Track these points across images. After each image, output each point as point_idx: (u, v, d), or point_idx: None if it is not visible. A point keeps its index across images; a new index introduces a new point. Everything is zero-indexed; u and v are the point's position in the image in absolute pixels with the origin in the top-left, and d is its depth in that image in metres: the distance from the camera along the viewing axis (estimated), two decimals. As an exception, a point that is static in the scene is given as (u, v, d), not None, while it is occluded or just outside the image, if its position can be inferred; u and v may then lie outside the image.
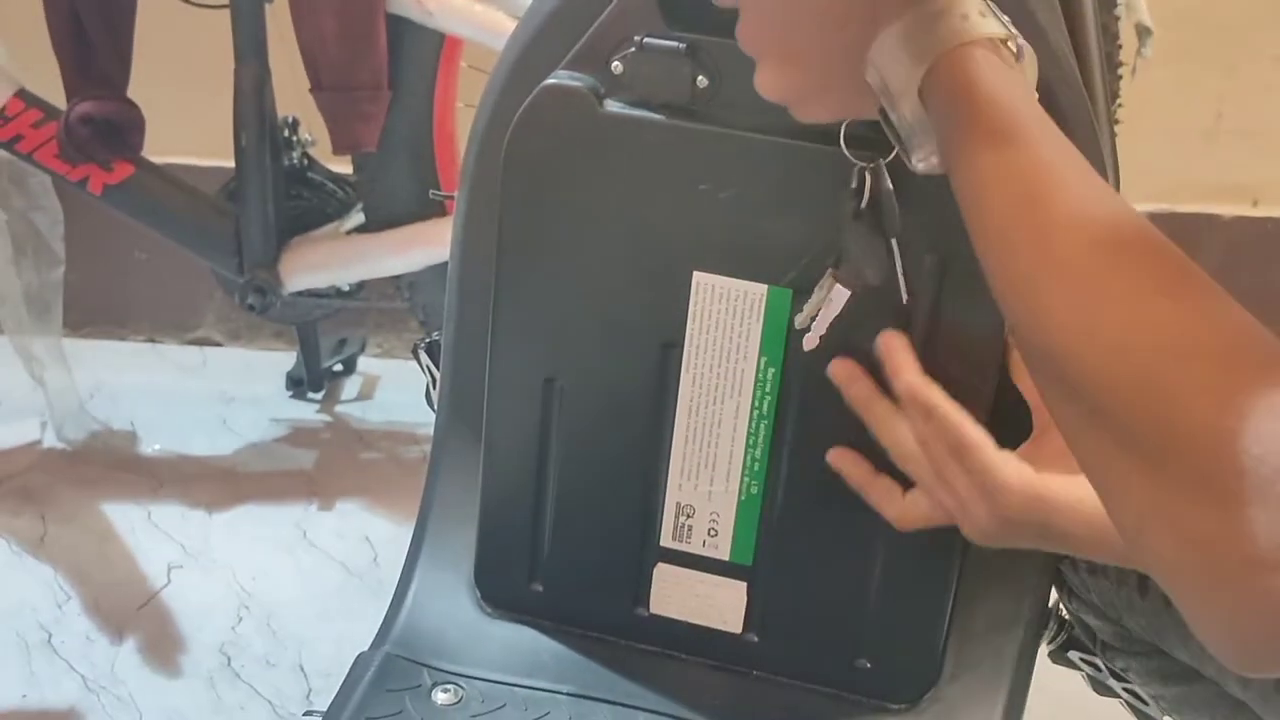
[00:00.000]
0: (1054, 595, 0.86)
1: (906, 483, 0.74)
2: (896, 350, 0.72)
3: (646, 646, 0.83)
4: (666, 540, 0.80)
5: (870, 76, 0.59)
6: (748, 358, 0.75)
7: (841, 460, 0.75)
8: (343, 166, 1.60)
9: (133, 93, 1.49)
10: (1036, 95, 0.58)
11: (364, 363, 1.90)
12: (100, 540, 1.53)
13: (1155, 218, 2.03)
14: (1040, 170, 0.54)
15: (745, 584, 0.80)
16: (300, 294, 1.57)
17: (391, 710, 0.77)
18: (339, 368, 1.87)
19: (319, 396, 1.83)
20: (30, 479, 1.63)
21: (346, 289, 1.64)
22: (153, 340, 1.97)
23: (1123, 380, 0.48)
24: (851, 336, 0.72)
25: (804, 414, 0.76)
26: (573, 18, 0.74)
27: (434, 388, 0.89)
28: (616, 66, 0.72)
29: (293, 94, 1.50)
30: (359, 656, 0.80)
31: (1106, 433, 0.49)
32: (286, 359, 1.87)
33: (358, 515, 1.59)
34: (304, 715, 1.24)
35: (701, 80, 0.71)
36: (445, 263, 0.85)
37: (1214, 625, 0.47)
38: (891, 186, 0.68)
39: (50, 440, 1.71)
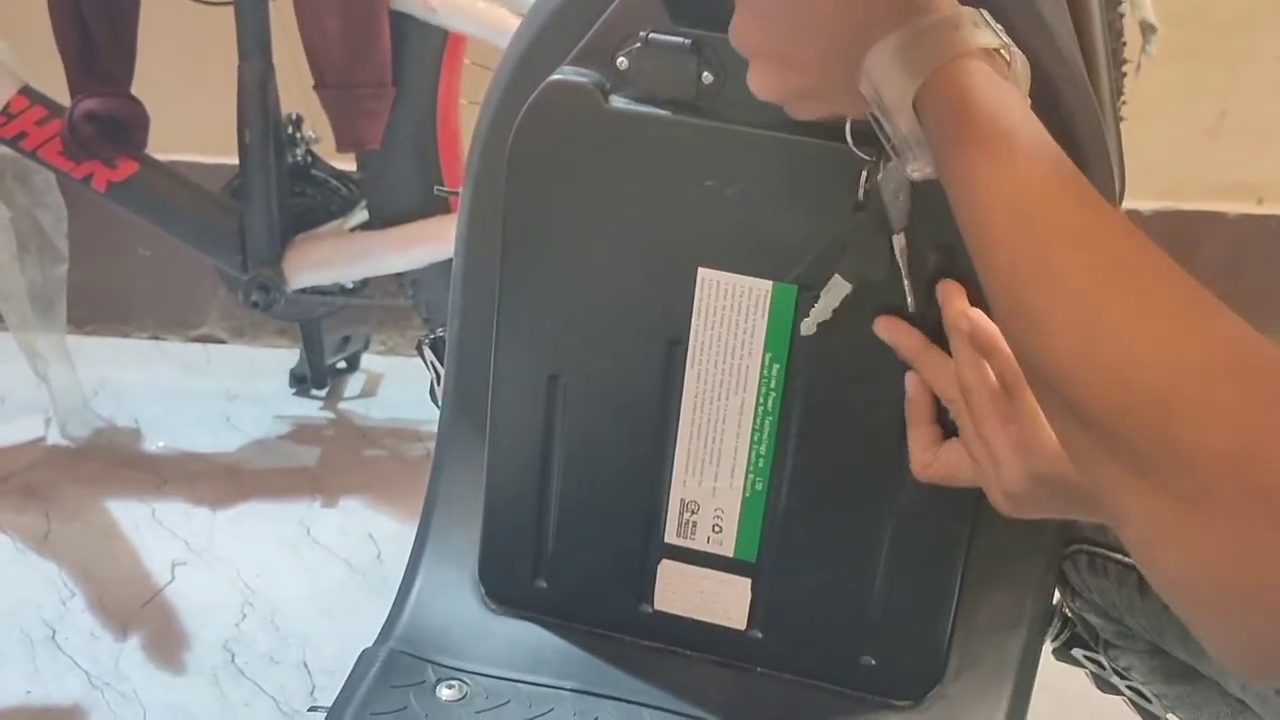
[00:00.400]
0: (1057, 594, 0.86)
1: None
2: (955, 293, 0.71)
3: (651, 643, 0.83)
4: (671, 536, 0.80)
5: (864, 88, 0.59)
6: (752, 354, 0.75)
7: (892, 330, 0.73)
8: (347, 163, 1.60)
9: (137, 90, 1.49)
10: (1029, 102, 0.58)
11: (367, 360, 1.90)
12: (104, 537, 1.53)
13: (1159, 215, 2.06)
14: (1037, 187, 0.53)
15: (749, 580, 0.80)
16: (304, 291, 1.57)
17: (396, 706, 0.77)
18: (343, 365, 1.87)
19: (323, 394, 1.83)
20: (34, 476, 1.64)
21: (350, 286, 1.64)
22: (156, 337, 1.97)
23: (1130, 404, 0.47)
24: (856, 329, 0.72)
25: (809, 410, 0.76)
26: (577, 14, 0.74)
27: (438, 384, 0.89)
28: (622, 62, 0.72)
29: (297, 91, 1.50)
30: (363, 652, 0.80)
31: (1114, 458, 0.48)
32: (290, 356, 1.87)
33: (361, 512, 1.59)
34: (309, 710, 1.25)
35: (707, 76, 0.71)
36: (449, 260, 0.85)
37: (1235, 646, 0.47)
38: (907, 181, 0.67)
39: (54, 437, 1.71)
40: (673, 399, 0.77)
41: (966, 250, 0.68)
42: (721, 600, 0.81)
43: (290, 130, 1.57)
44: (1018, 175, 0.54)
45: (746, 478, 0.78)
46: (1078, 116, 0.70)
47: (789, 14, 0.60)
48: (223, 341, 1.98)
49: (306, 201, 1.59)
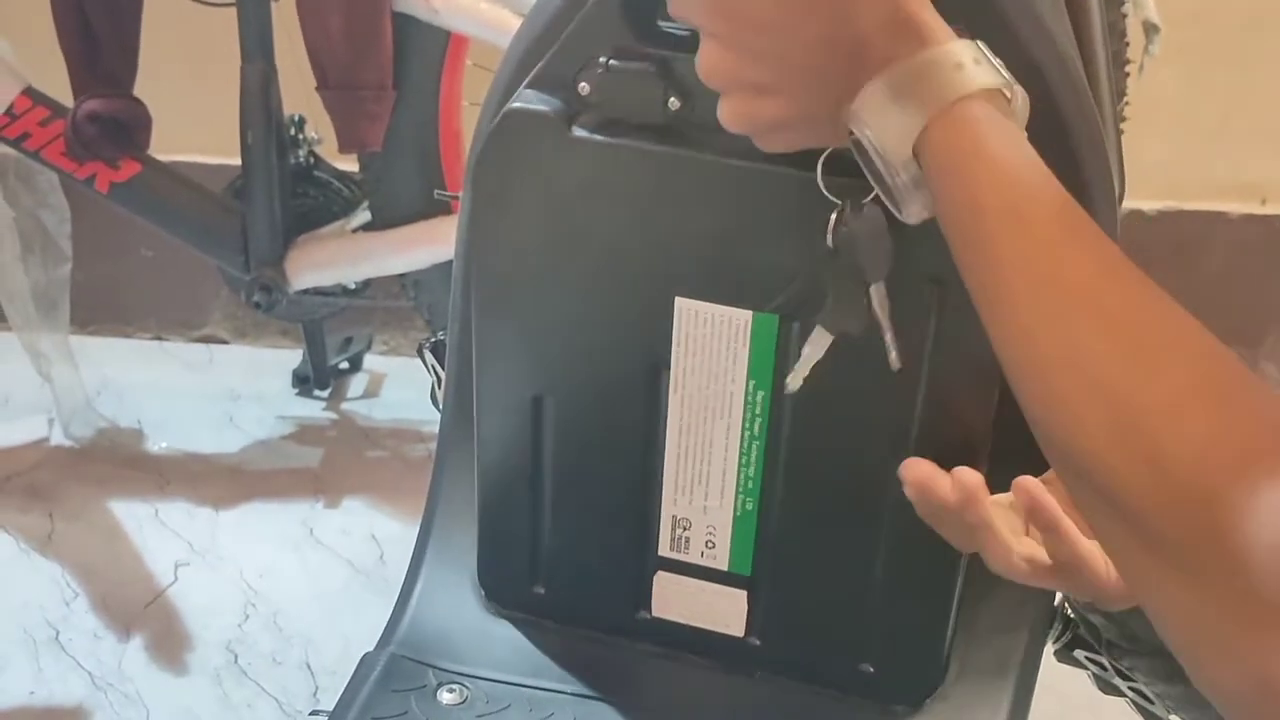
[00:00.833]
0: (1059, 594, 0.86)
1: None
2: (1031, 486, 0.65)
3: (651, 647, 0.83)
4: (664, 550, 0.79)
5: (854, 128, 0.55)
6: (736, 381, 0.73)
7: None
8: (349, 164, 1.60)
9: (139, 90, 1.49)
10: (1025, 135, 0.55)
11: (370, 360, 1.91)
12: (107, 538, 1.54)
13: (1163, 216, 2.05)
14: (1055, 251, 0.50)
15: (745, 592, 0.80)
16: (306, 292, 1.57)
17: (397, 710, 0.77)
18: (345, 365, 1.87)
19: (325, 394, 1.84)
20: (37, 476, 1.64)
21: (352, 287, 1.64)
22: (159, 338, 1.97)
23: (1170, 499, 0.44)
24: (842, 352, 0.69)
25: (797, 433, 0.74)
26: (542, 26, 0.72)
27: (439, 387, 0.89)
28: (584, 87, 0.69)
29: (299, 92, 1.50)
30: (364, 656, 0.81)
31: (1154, 552, 0.45)
32: (293, 356, 1.88)
33: (364, 513, 1.60)
34: (310, 715, 1.25)
35: (674, 101, 0.67)
36: (450, 261, 0.85)
37: None
38: (885, 225, 0.63)
39: (57, 438, 1.71)
40: (658, 423, 0.76)
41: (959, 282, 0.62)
42: (718, 608, 0.80)
43: (293, 131, 1.57)
44: (1034, 238, 0.51)
45: (736, 498, 0.77)
46: (1076, 120, 0.69)
47: (766, 43, 0.56)
48: (225, 342, 1.98)
49: (309, 202, 1.59)
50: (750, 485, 0.76)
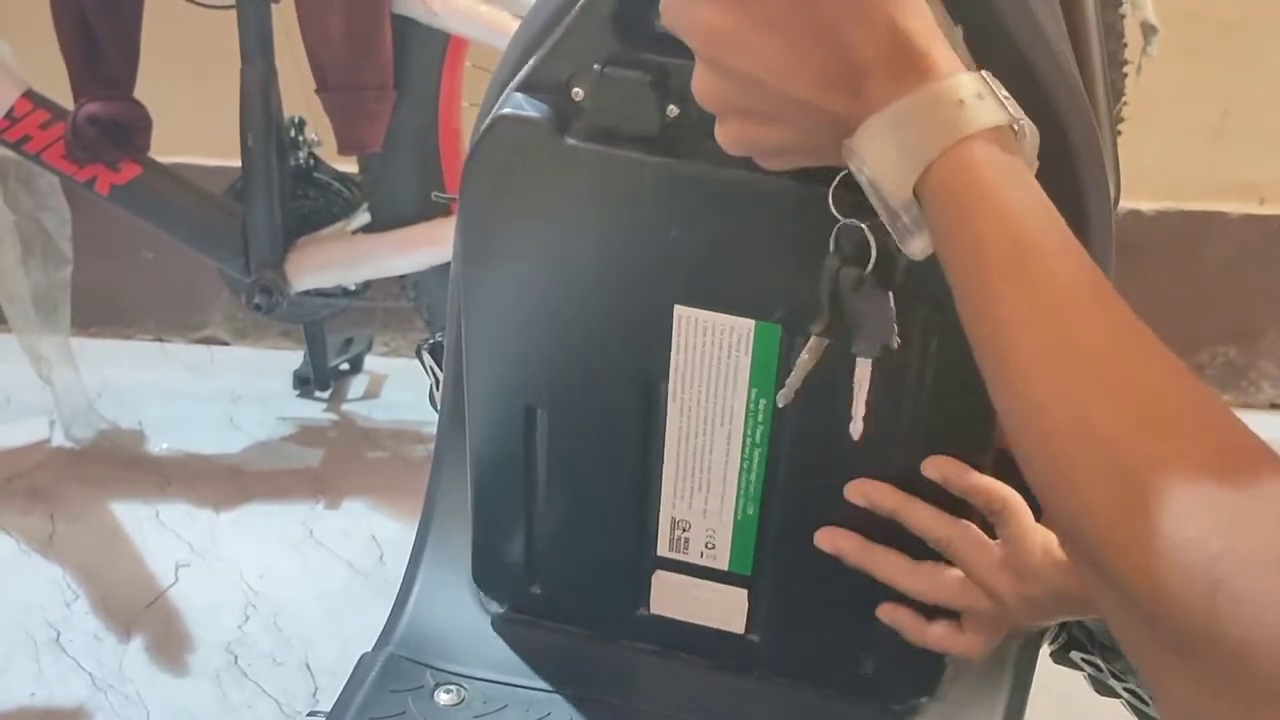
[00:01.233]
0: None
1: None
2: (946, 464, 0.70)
3: (648, 645, 0.83)
4: (663, 551, 0.79)
5: (853, 165, 0.53)
6: (737, 390, 0.72)
7: (865, 491, 0.72)
8: (349, 166, 1.60)
9: (139, 93, 1.50)
10: (1034, 171, 0.53)
11: (371, 361, 1.91)
12: (108, 539, 1.54)
13: (1161, 216, 2.05)
14: (1065, 311, 0.48)
15: (745, 590, 0.80)
16: (307, 293, 1.58)
17: (394, 711, 0.77)
18: (346, 366, 1.88)
19: (326, 395, 1.84)
20: (38, 478, 1.64)
21: (353, 288, 1.64)
22: (160, 339, 1.98)
23: (1174, 586, 0.43)
24: (844, 356, 0.68)
25: (798, 441, 0.74)
26: (535, 29, 0.71)
27: (437, 389, 0.89)
28: (577, 93, 0.67)
29: (299, 94, 1.50)
30: (362, 657, 0.81)
31: (1154, 633, 0.44)
32: (294, 358, 1.88)
33: (364, 514, 1.60)
34: (308, 716, 1.25)
35: (672, 109, 0.66)
36: (450, 262, 0.85)
37: None
38: (884, 300, 0.63)
39: (58, 439, 1.72)
40: (656, 431, 0.75)
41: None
42: (718, 606, 0.81)
43: (292, 133, 1.57)
44: (1041, 298, 0.48)
45: (737, 503, 0.76)
46: (1072, 122, 0.69)
47: (763, 77, 0.53)
48: (226, 343, 1.99)
49: (309, 204, 1.59)
50: (752, 491, 0.76)
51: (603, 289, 0.71)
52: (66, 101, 1.48)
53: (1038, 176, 0.63)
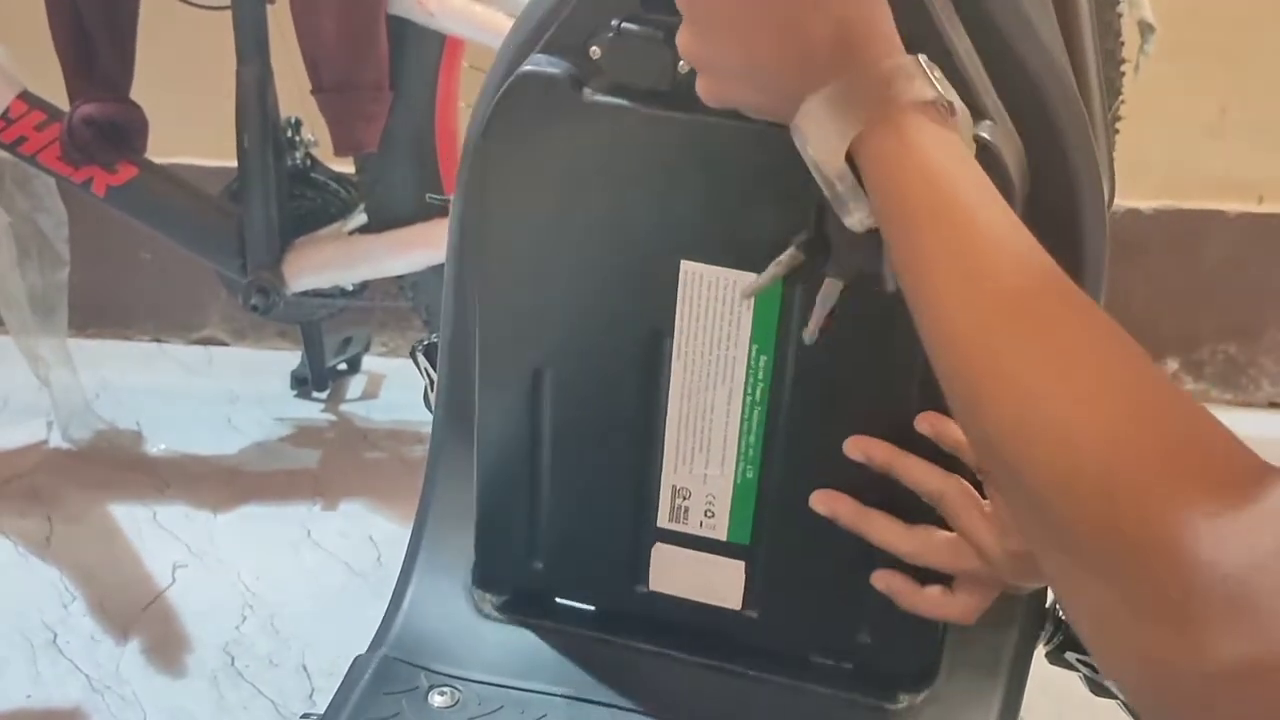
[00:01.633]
0: (1050, 596, 0.86)
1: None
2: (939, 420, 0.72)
3: (644, 645, 0.83)
4: (663, 521, 0.80)
5: (798, 142, 0.59)
6: (739, 345, 0.74)
7: (861, 447, 0.74)
8: (346, 166, 1.60)
9: (136, 94, 1.50)
10: (973, 149, 0.59)
11: (369, 361, 1.91)
12: (106, 540, 1.54)
13: (1160, 214, 2.05)
14: (977, 253, 0.53)
15: (743, 562, 0.80)
16: (304, 294, 1.58)
17: (388, 713, 0.77)
18: (344, 367, 1.87)
19: (324, 396, 1.84)
20: (36, 479, 1.64)
21: (350, 289, 1.64)
22: (158, 340, 1.98)
23: (1067, 489, 0.47)
24: (843, 318, 0.70)
25: (797, 401, 0.75)
26: (566, 21, 0.73)
27: (432, 390, 0.89)
28: (594, 51, 0.70)
29: (295, 94, 1.50)
30: (356, 659, 0.81)
31: (1058, 540, 0.49)
32: (292, 358, 1.88)
33: (362, 515, 1.60)
34: (301, 718, 1.25)
35: (683, 65, 0.68)
36: (446, 262, 0.85)
37: None
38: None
39: (56, 440, 1.72)
40: (660, 390, 0.76)
41: None
42: (716, 580, 0.80)
43: (289, 134, 1.57)
44: (959, 238, 0.54)
45: (737, 466, 0.77)
46: (1064, 120, 0.70)
47: (729, 37, 0.60)
48: (224, 344, 1.99)
49: (306, 205, 1.59)
50: (751, 453, 0.77)
51: (613, 244, 0.74)
52: (62, 103, 1.48)
53: (1032, 176, 0.66)
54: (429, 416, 0.90)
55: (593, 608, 0.85)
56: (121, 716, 1.29)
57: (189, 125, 1.63)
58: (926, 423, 0.72)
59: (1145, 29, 1.36)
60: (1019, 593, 0.77)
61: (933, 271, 0.54)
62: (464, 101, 1.54)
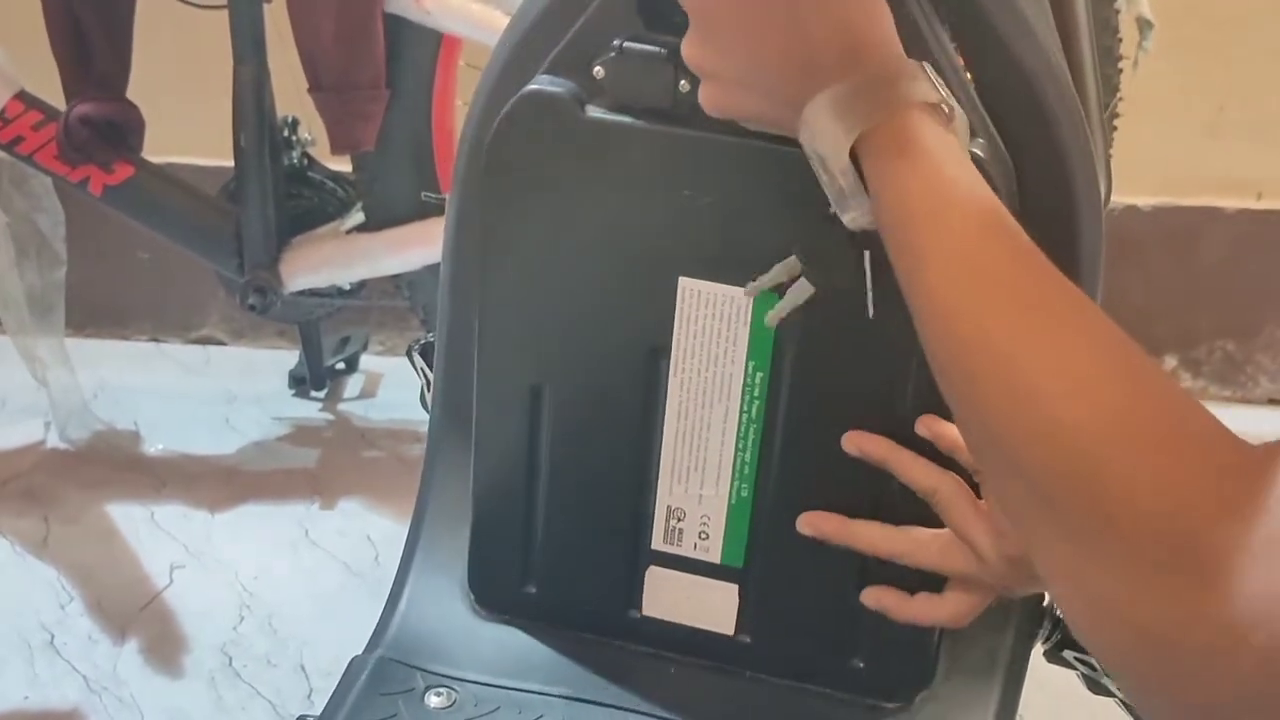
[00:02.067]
0: (1048, 595, 0.86)
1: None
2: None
3: (640, 648, 0.83)
4: (658, 543, 0.80)
5: (803, 138, 0.60)
6: (735, 362, 0.74)
7: (858, 442, 0.74)
8: (343, 165, 1.60)
9: (132, 93, 1.49)
10: (968, 154, 0.60)
11: (366, 361, 1.91)
12: (103, 541, 1.54)
13: (1158, 211, 2.05)
14: (973, 245, 0.55)
15: (737, 586, 0.80)
16: (301, 293, 1.57)
17: (385, 714, 0.76)
18: (342, 366, 1.87)
19: (322, 395, 1.84)
20: (34, 479, 1.64)
21: (348, 288, 1.64)
22: (156, 340, 1.98)
23: (1071, 475, 0.48)
24: (837, 336, 0.72)
25: (792, 418, 0.75)
26: (560, 21, 0.74)
27: (428, 390, 0.89)
28: (598, 71, 0.71)
29: (292, 93, 1.50)
30: (353, 660, 0.80)
31: (1050, 518, 0.49)
32: (289, 357, 1.88)
33: (360, 514, 1.60)
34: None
35: (684, 84, 0.70)
36: (443, 262, 0.84)
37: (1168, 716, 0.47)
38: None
39: (54, 440, 1.72)
40: (657, 407, 0.77)
41: None
42: (709, 605, 0.80)
43: (286, 133, 1.57)
44: (955, 232, 0.55)
45: (732, 485, 0.77)
46: (1061, 118, 0.70)
47: (734, 42, 0.61)
48: (222, 343, 1.98)
49: (303, 204, 1.59)
50: (746, 471, 0.77)
51: (612, 261, 0.74)
52: (59, 102, 1.48)
53: (1027, 175, 0.69)
54: (427, 416, 0.89)
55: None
56: (119, 717, 1.29)
57: (186, 124, 1.63)
58: (924, 426, 0.72)
59: (1143, 25, 1.36)
60: (1011, 598, 0.77)
61: (929, 268, 0.55)
62: (461, 100, 1.54)
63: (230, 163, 1.52)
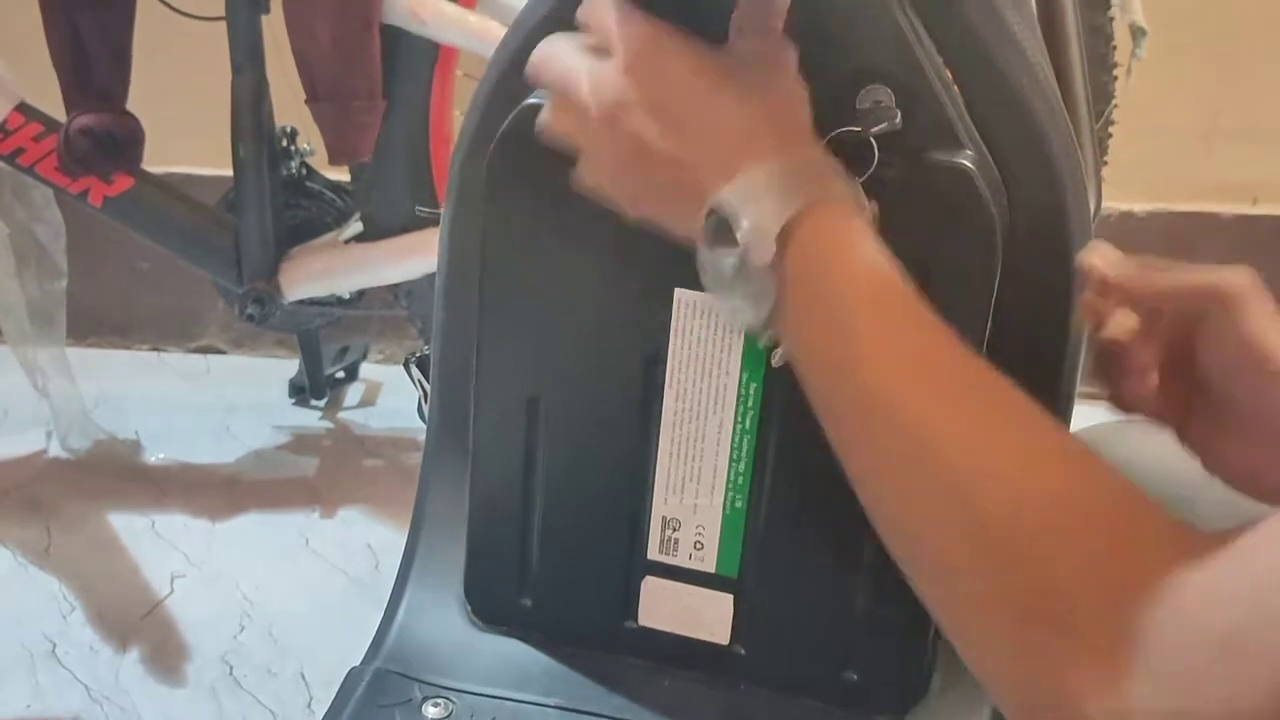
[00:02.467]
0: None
1: None
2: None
3: (636, 659, 0.83)
4: (653, 553, 0.80)
5: (726, 203, 0.58)
6: (730, 373, 0.75)
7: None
8: (341, 175, 1.61)
9: (132, 104, 1.50)
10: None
11: (366, 369, 1.91)
12: (104, 550, 1.54)
13: (1154, 217, 2.05)
14: (914, 341, 0.55)
15: (731, 596, 0.80)
16: (301, 302, 1.58)
17: (382, 725, 0.77)
18: (341, 375, 1.88)
19: (321, 403, 1.84)
20: (36, 489, 1.65)
21: (346, 297, 1.65)
22: (156, 349, 1.98)
23: (996, 549, 0.48)
24: None
25: (787, 429, 0.76)
26: (559, 29, 0.74)
27: (425, 401, 0.90)
28: None
29: (290, 104, 1.50)
30: (350, 672, 0.81)
31: (973, 606, 0.49)
32: (289, 366, 1.88)
33: (360, 523, 1.60)
34: (294, 731, 1.25)
35: None
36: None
37: None
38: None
39: (55, 450, 1.72)
40: (652, 418, 0.77)
41: (940, 266, 0.68)
42: (704, 616, 0.81)
43: (284, 143, 1.58)
44: (898, 320, 0.55)
45: (726, 495, 0.78)
46: (1049, 131, 0.70)
47: (684, 120, 0.60)
48: (222, 352, 1.99)
49: (301, 214, 1.60)
50: (740, 482, 0.77)
51: (609, 272, 0.75)
52: (59, 114, 1.49)
53: (1016, 189, 0.70)
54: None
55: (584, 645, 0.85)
56: (120, 727, 1.30)
57: (185, 135, 1.64)
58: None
59: (1137, 33, 1.36)
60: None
61: (863, 349, 0.55)
62: (458, 110, 1.55)
63: (229, 173, 1.52)
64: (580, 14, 0.65)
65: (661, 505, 0.79)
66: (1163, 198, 1.82)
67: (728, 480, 0.77)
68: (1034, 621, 0.46)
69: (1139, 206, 1.82)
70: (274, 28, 1.46)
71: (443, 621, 0.84)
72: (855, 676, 0.80)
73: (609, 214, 0.73)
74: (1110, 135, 1.42)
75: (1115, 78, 1.37)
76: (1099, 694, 0.44)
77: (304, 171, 1.60)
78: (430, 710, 0.78)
